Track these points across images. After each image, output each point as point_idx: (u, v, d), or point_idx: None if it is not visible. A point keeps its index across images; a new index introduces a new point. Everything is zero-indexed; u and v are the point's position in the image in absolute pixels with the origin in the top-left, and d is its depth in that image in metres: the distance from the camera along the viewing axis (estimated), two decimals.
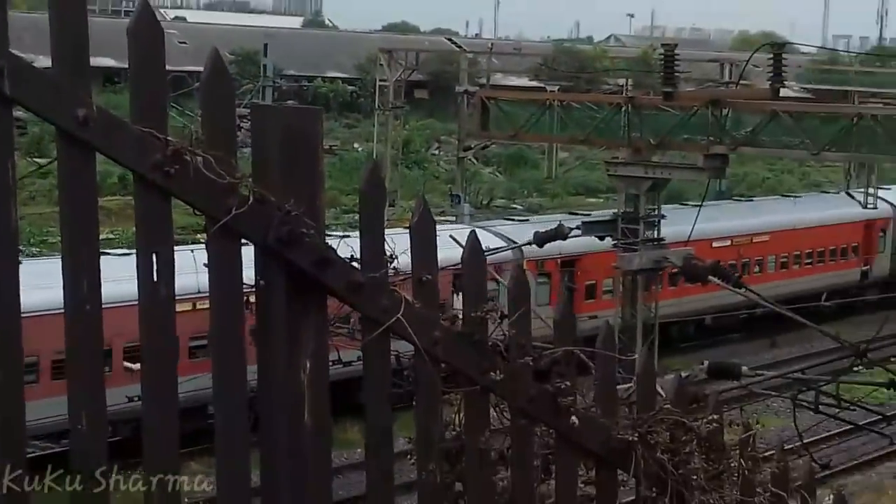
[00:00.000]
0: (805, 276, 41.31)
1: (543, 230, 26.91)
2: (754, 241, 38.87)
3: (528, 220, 37.78)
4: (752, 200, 48.13)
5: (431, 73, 54.73)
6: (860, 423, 19.73)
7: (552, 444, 3.51)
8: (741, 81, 29.61)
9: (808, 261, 42.29)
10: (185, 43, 60.00)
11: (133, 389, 3.19)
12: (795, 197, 49.70)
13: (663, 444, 3.64)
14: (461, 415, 3.24)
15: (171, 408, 2.73)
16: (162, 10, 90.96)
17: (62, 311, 2.62)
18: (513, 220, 38.34)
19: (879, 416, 18.54)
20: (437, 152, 59.65)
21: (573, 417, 3.42)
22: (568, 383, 3.40)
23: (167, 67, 2.68)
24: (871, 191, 41.26)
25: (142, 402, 2.73)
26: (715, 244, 36.22)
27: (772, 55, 26.36)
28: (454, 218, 37.68)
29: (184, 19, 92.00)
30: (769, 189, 55.19)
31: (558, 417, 3.41)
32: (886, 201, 44.77)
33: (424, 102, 57.20)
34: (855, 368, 17.08)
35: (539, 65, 55.85)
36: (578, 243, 28.27)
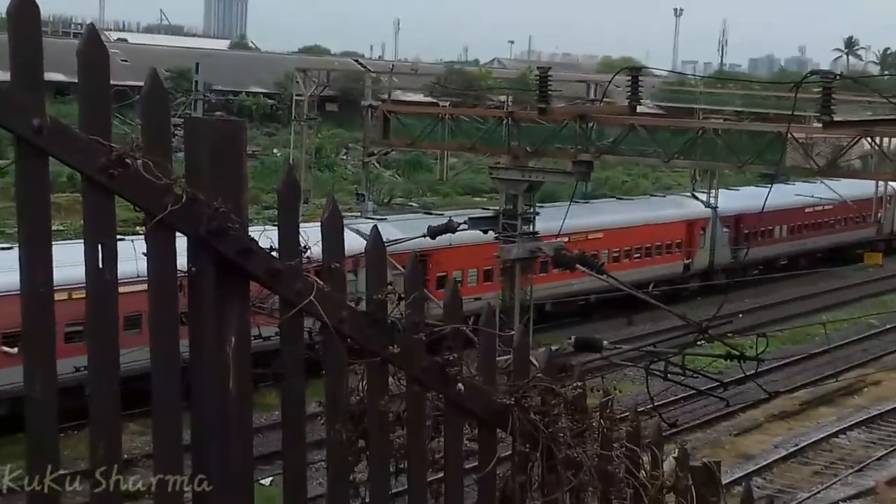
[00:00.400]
0: (635, 268, 42.81)
1: (436, 224, 27.71)
2: (589, 237, 39.83)
3: (430, 214, 38.53)
4: (608, 200, 50.11)
5: (340, 89, 56.08)
6: (701, 389, 20.96)
7: (441, 408, 3.53)
8: (604, 99, 31.12)
9: (637, 255, 44.19)
10: (126, 61, 59.78)
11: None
12: (650, 196, 52.60)
13: (535, 407, 3.69)
14: (364, 382, 3.28)
15: (112, 377, 2.71)
16: (106, 32, 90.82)
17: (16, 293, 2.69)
18: (411, 215, 39.61)
19: (718, 383, 19.81)
20: (344, 157, 60.98)
21: (459, 385, 3.47)
22: (455, 356, 3.46)
23: (111, 82, 2.72)
24: (713, 192, 43.69)
25: (87, 373, 2.70)
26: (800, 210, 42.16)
27: (630, 77, 27.26)
28: (359, 213, 38.16)
29: (125, 41, 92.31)
30: (626, 191, 58.03)
31: (446, 385, 3.46)
32: (702, 202, 47.46)
33: (334, 115, 58.28)
34: (698, 343, 18.46)
35: (433, 83, 57.42)
36: (429, 242, 28.82)
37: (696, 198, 47.85)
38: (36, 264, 2.59)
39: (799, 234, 50.29)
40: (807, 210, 43.55)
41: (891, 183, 48.02)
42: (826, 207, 48.99)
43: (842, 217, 53.09)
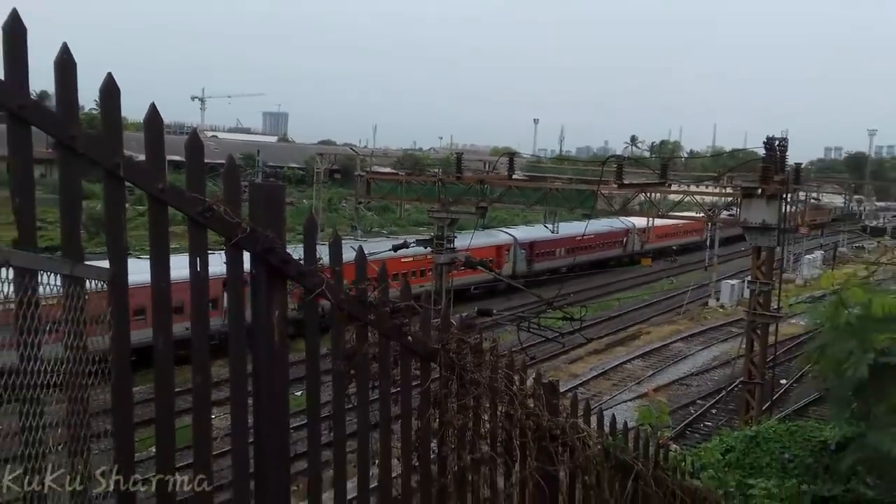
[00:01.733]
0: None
1: (397, 243, 32.97)
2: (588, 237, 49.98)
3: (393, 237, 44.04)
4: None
5: (342, 165, 64.34)
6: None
7: (399, 350, 3.77)
8: (493, 170, 35.66)
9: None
10: (217, 149, 64.45)
11: None
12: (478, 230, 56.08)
13: (453, 349, 3.96)
14: (353, 335, 3.52)
15: (204, 333, 2.99)
16: (204, 132, 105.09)
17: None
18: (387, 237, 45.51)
19: (558, 333, 23.29)
20: (344, 205, 67.18)
21: (409, 336, 3.77)
22: (406, 320, 3.74)
23: (206, 161, 3.01)
24: (552, 225, 46.87)
25: (190, 331, 2.92)
26: (577, 238, 45.65)
27: (509, 158, 33.65)
28: (353, 237, 43.64)
29: (216, 136, 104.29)
30: (509, 222, 61.81)
31: (402, 336, 3.75)
32: (508, 234, 54.01)
33: (338, 180, 66.88)
34: (547, 310, 21.73)
35: (396, 161, 67.45)
36: (391, 253, 31.14)
37: (504, 231, 54.21)
38: (159, 270, 2.91)
39: (572, 253, 54.65)
40: (577, 238, 47.74)
41: (630, 219, 55.78)
42: (589, 236, 53.08)
43: (600, 242, 59.71)
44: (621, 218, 52.85)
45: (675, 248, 70.02)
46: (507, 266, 52.33)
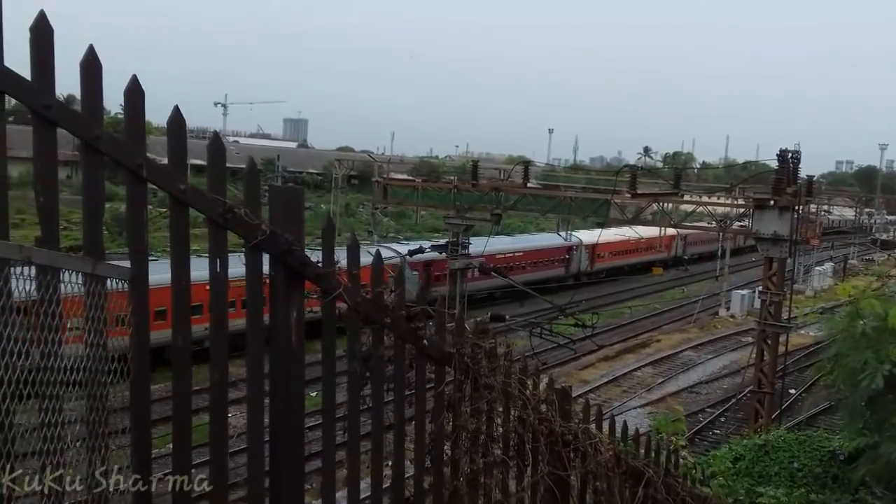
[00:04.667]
0: (537, 271, 48.87)
1: (412, 248, 33.32)
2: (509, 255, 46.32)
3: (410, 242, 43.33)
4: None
5: (360, 171, 63.39)
6: (561, 343, 24.34)
7: (414, 353, 3.77)
8: (508, 179, 35.05)
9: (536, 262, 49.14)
10: (238, 153, 64.98)
11: None
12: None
13: (467, 353, 3.94)
14: (370, 338, 3.51)
15: (223, 332, 2.98)
16: (226, 137, 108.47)
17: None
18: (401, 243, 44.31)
19: (570, 340, 23.17)
20: (362, 210, 68.00)
21: (424, 340, 3.76)
22: (422, 323, 3.74)
23: (227, 165, 3.02)
24: (567, 233, 48.04)
25: (209, 331, 2.95)
26: (497, 256, 43.95)
27: (524, 166, 34.05)
28: (369, 242, 43.07)
29: (238, 141, 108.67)
30: (522, 230, 62.24)
31: (417, 340, 3.73)
32: (576, 237, 52.74)
33: (356, 186, 66.01)
34: (560, 317, 21.87)
35: (413, 168, 66.76)
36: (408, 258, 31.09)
37: (560, 235, 52.78)
38: (179, 271, 2.91)
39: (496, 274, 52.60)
40: (499, 256, 45.76)
41: (578, 234, 53.40)
42: (518, 254, 49.64)
43: (535, 261, 52.91)
44: (566, 232, 51.95)
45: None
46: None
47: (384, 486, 3.63)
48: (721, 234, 41.83)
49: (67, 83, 2.73)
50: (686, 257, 66.01)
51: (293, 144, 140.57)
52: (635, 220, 32.39)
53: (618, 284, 54.59)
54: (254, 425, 3.07)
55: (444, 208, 34.67)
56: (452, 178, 38.95)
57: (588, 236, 53.27)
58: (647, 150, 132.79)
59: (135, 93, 2.68)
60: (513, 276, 45.63)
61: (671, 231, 57.57)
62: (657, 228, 41.37)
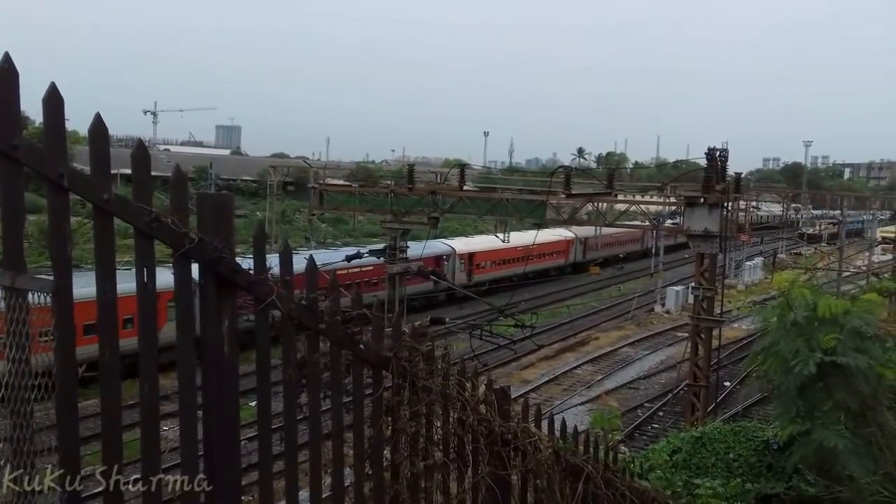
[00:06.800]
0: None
1: (350, 253, 32.28)
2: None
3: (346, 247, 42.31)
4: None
5: (295, 177, 63.12)
6: (500, 344, 24.68)
7: (350, 359, 3.72)
8: (445, 182, 35.75)
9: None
10: (169, 161, 62.71)
11: None
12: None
13: (405, 357, 3.93)
14: (305, 344, 3.47)
15: (153, 343, 2.92)
16: (157, 146, 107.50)
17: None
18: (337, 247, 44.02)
19: (510, 340, 23.64)
20: (298, 216, 67.06)
21: (360, 345, 3.72)
22: (358, 328, 3.70)
23: (153, 173, 2.93)
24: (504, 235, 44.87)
25: (138, 342, 2.88)
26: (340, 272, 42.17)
27: (460, 169, 34.23)
28: (306, 248, 42.64)
29: (168, 150, 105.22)
30: (460, 233, 62.06)
31: (354, 345, 3.69)
32: (446, 245, 49.86)
33: (291, 192, 66.27)
34: (499, 318, 22.33)
35: (349, 173, 67.66)
36: (344, 263, 30.85)
37: (497, 236, 48.20)
38: (105, 283, 2.81)
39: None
40: (342, 272, 45.44)
41: (452, 242, 51.11)
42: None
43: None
44: (436, 241, 45.45)
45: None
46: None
47: (324, 495, 3.58)
48: (655, 231, 42.64)
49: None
50: (585, 263, 63.92)
51: (226, 152, 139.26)
52: (571, 221, 32.90)
53: (559, 283, 55.24)
54: (187, 438, 3.01)
55: (382, 213, 34.65)
56: (389, 182, 38.98)
57: (463, 244, 49.97)
58: (581, 151, 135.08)
59: (53, 100, 2.62)
60: (367, 294, 43.85)
61: (568, 234, 58.38)
62: (556, 232, 42.75)
